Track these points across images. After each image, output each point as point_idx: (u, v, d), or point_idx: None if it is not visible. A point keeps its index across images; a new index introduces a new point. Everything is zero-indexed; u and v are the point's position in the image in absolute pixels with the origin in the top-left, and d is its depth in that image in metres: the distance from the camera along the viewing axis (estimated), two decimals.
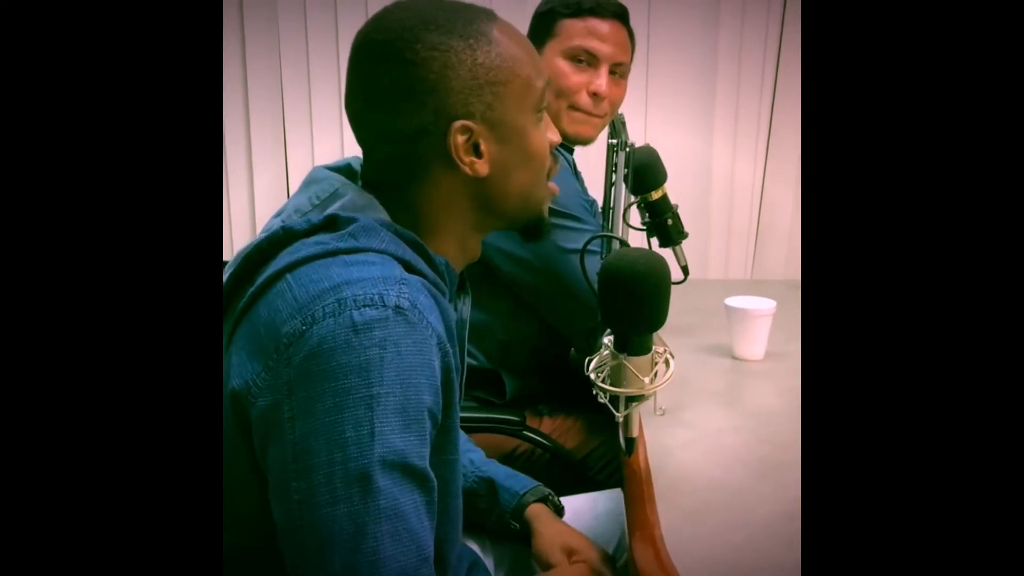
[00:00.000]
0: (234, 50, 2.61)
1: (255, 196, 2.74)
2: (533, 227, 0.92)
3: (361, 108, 0.83)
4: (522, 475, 1.16)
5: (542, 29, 1.48)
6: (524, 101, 0.84)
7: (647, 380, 0.88)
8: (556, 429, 1.53)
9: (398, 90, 0.80)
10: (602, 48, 1.47)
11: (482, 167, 0.82)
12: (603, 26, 1.47)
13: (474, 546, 1.14)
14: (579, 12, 1.46)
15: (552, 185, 0.92)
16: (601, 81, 1.48)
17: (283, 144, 2.70)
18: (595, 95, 1.48)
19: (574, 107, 1.49)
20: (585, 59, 1.47)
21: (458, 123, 0.80)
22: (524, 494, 1.12)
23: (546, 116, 0.89)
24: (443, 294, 0.82)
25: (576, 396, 1.57)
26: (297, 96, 2.65)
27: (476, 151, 0.82)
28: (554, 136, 0.89)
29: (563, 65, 1.47)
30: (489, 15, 0.84)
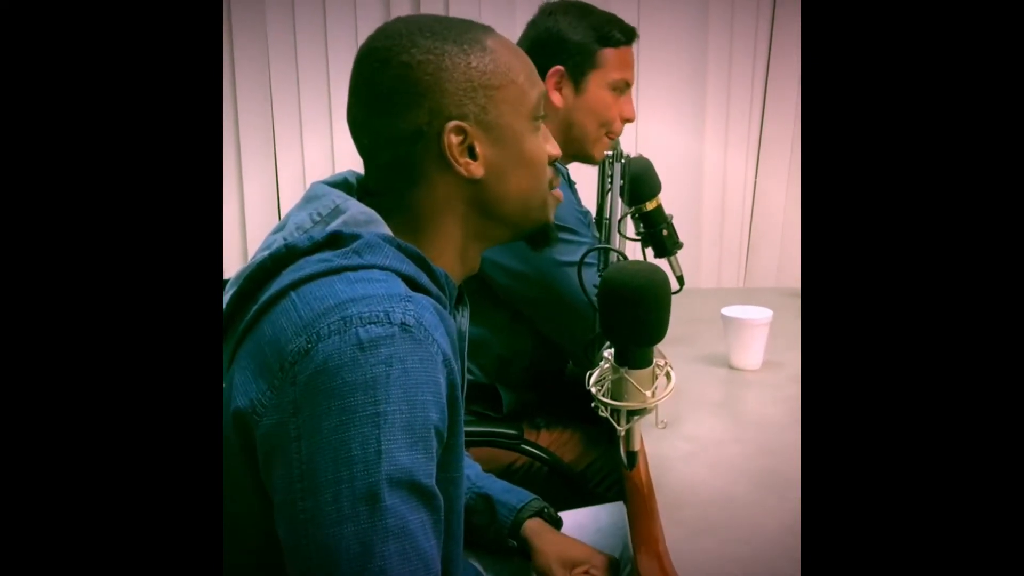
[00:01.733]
0: (223, 61, 2.60)
1: (245, 208, 2.72)
2: (539, 234, 0.92)
3: (361, 113, 0.84)
4: (518, 488, 1.15)
5: (582, 58, 1.49)
6: (519, 107, 0.85)
7: (648, 393, 0.88)
8: (553, 442, 1.52)
9: (395, 92, 0.81)
10: (632, 75, 1.53)
11: (476, 169, 0.83)
12: (630, 54, 1.53)
13: (475, 563, 1.12)
14: (617, 42, 1.51)
15: (557, 191, 0.92)
16: (631, 106, 1.54)
17: (273, 156, 2.68)
18: (627, 120, 1.54)
19: (610, 134, 1.54)
20: (622, 88, 1.53)
21: (452, 123, 0.81)
22: (520, 510, 1.11)
23: (544, 128, 0.89)
24: (445, 307, 0.82)
25: (573, 409, 1.56)
26: (287, 106, 2.64)
27: (471, 153, 0.83)
28: (553, 149, 0.90)
29: (608, 96, 1.52)
30: (485, 28, 0.86)
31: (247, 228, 2.74)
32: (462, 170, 0.82)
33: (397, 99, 0.81)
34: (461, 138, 0.82)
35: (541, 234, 0.92)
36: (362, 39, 0.87)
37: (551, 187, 0.91)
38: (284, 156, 2.68)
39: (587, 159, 1.55)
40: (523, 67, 0.86)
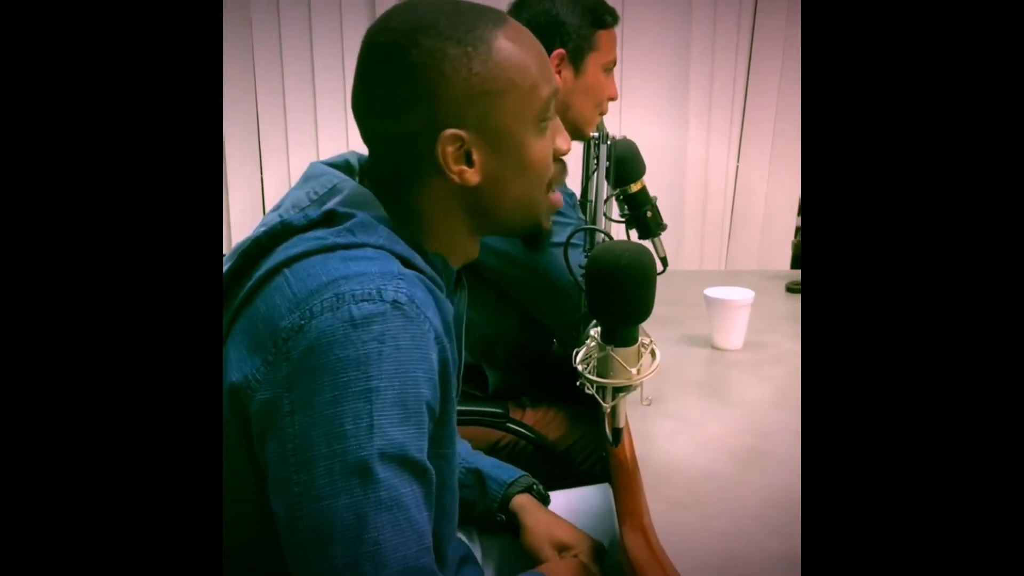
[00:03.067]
0: None
1: (231, 217, 2.69)
2: (532, 236, 0.91)
3: (362, 109, 0.84)
4: (508, 465, 1.17)
5: (582, 40, 1.51)
6: (524, 111, 0.82)
7: (634, 371, 0.89)
8: (538, 421, 1.54)
9: (392, 95, 0.80)
10: (616, 55, 1.56)
11: (472, 176, 0.82)
12: (615, 34, 1.56)
13: (461, 536, 1.14)
14: (609, 24, 1.54)
15: (555, 196, 0.90)
16: (615, 86, 1.57)
17: (259, 165, 2.66)
18: (611, 99, 1.58)
19: (600, 113, 1.57)
20: (611, 68, 1.56)
21: (448, 132, 0.79)
22: (510, 484, 1.13)
23: (554, 124, 0.87)
24: (440, 290, 0.83)
25: (558, 388, 1.58)
26: (271, 115, 2.61)
27: (468, 160, 0.81)
28: (563, 144, 0.88)
29: (602, 77, 1.55)
30: (497, 19, 0.82)
31: (232, 237, 2.72)
32: (456, 178, 0.81)
33: (394, 102, 0.80)
34: (457, 146, 0.80)
35: (534, 237, 0.92)
36: (348, 47, 0.84)
37: (551, 188, 0.89)
38: (269, 164, 2.66)
39: (580, 139, 1.56)
40: (535, 63, 0.82)
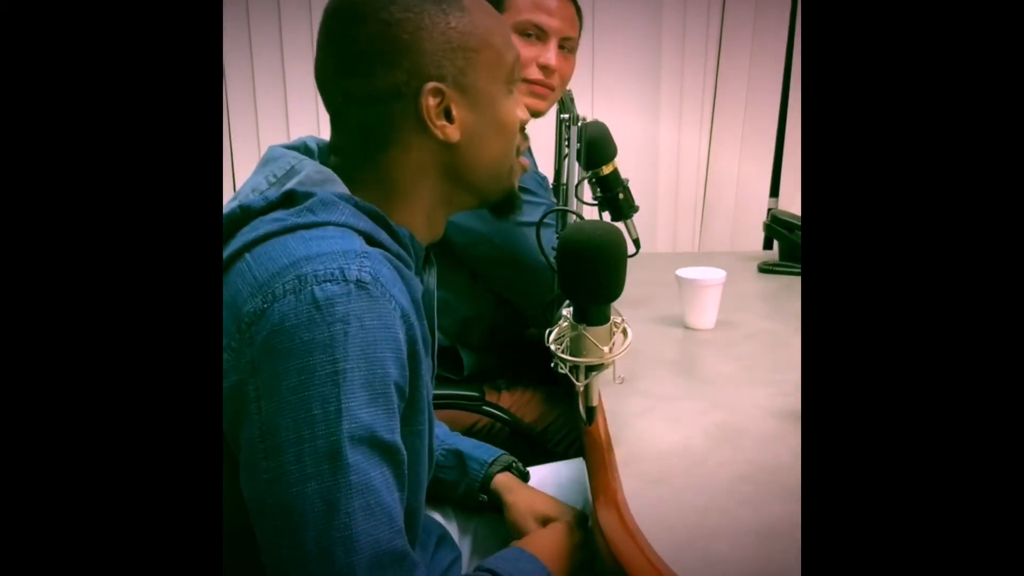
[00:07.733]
0: None
1: None
2: (504, 202, 0.93)
3: (333, 71, 0.83)
4: (487, 444, 1.18)
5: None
6: (495, 70, 0.85)
7: (606, 349, 0.90)
8: (514, 403, 1.55)
9: (372, 50, 0.79)
10: (551, 22, 1.48)
11: (453, 132, 0.83)
12: (551, 1, 1.49)
13: (437, 516, 1.15)
14: None
15: (523, 160, 0.93)
16: (551, 54, 1.49)
17: (230, 159, 2.64)
18: (545, 68, 1.49)
19: (525, 80, 1.50)
20: (534, 33, 1.49)
21: (430, 85, 0.80)
22: (491, 464, 1.13)
23: (517, 93, 0.89)
24: (408, 267, 0.82)
25: (533, 370, 1.59)
26: (242, 101, 2.59)
27: (448, 116, 0.82)
28: (523, 114, 0.90)
29: (513, 39, 1.48)
30: None
31: None
32: (438, 133, 0.82)
33: (374, 58, 0.79)
34: (439, 100, 0.81)
35: (507, 202, 0.93)
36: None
37: (518, 153, 0.91)
38: (240, 149, 2.63)
39: None
40: (500, 29, 0.86)
